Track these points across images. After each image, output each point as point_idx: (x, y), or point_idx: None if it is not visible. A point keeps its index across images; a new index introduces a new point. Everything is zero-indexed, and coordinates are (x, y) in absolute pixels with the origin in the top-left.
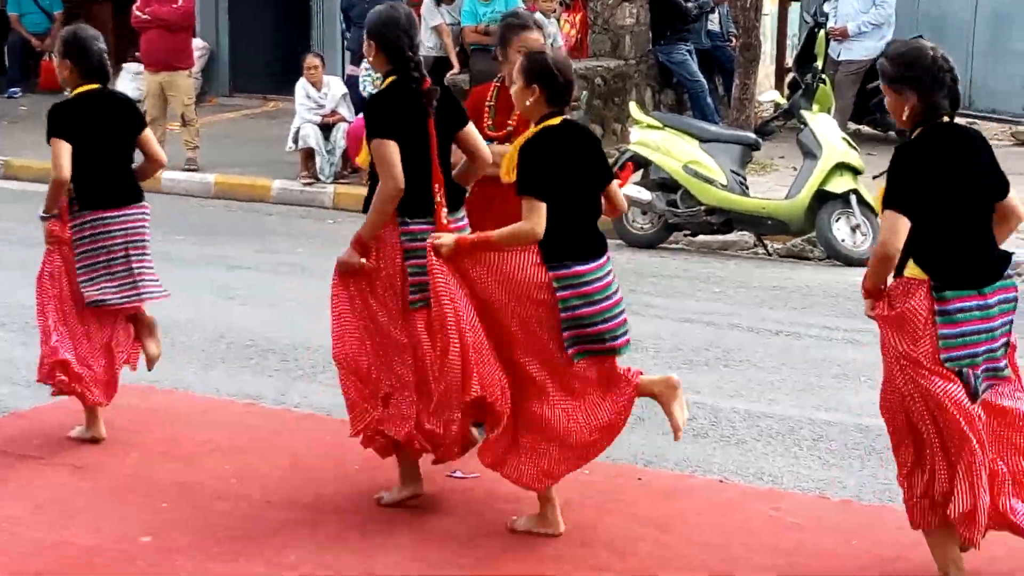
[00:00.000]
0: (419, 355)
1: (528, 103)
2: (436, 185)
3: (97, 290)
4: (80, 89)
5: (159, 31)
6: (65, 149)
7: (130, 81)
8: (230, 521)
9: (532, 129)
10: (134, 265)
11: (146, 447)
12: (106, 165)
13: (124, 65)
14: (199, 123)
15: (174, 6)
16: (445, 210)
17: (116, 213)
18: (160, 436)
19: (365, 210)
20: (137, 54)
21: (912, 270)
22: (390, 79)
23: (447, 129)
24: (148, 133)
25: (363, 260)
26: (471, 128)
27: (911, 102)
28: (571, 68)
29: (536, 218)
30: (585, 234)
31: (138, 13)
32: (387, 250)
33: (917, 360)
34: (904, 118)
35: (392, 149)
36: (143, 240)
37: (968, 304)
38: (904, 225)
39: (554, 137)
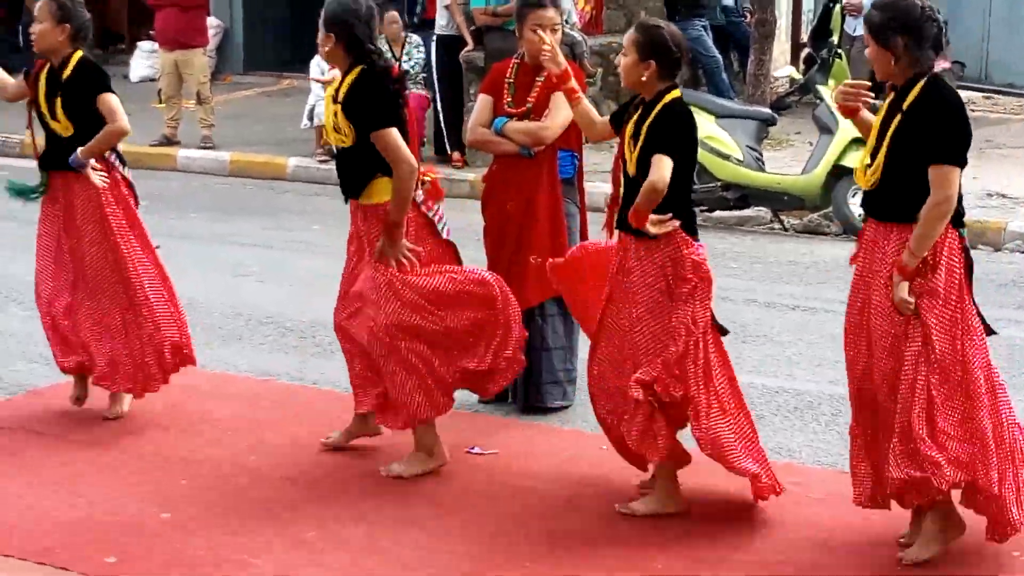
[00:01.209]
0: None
1: (643, 78)
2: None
3: None
4: (76, 56)
5: (173, 9)
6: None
7: (144, 59)
8: (248, 497)
9: (666, 99)
10: None
11: (164, 424)
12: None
13: (139, 44)
14: (214, 101)
15: None
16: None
17: None
18: (178, 413)
19: (350, 194)
20: (151, 32)
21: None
22: (359, 69)
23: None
24: None
25: (406, 243)
26: None
27: (898, 52)
28: (685, 42)
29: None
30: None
31: None
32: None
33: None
34: (891, 68)
35: (395, 135)
36: None
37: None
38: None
39: (686, 109)
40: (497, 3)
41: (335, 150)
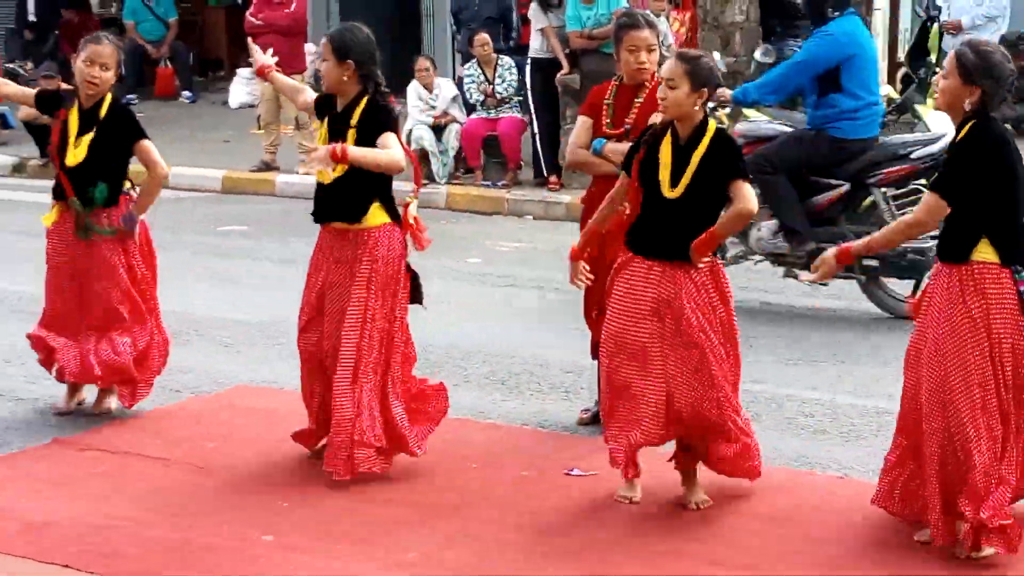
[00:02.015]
0: None
1: (696, 107)
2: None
3: None
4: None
5: (272, 36)
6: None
7: (244, 86)
8: (349, 519)
9: (711, 126)
10: None
11: (265, 446)
12: None
13: (238, 70)
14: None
15: (287, 11)
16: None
17: None
18: (278, 435)
19: (347, 219)
20: (251, 59)
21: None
22: (367, 98)
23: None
24: None
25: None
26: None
27: (975, 98)
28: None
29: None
30: None
31: (251, 18)
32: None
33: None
34: (959, 106)
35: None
36: None
37: None
38: (944, 212)
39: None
40: (593, 25)
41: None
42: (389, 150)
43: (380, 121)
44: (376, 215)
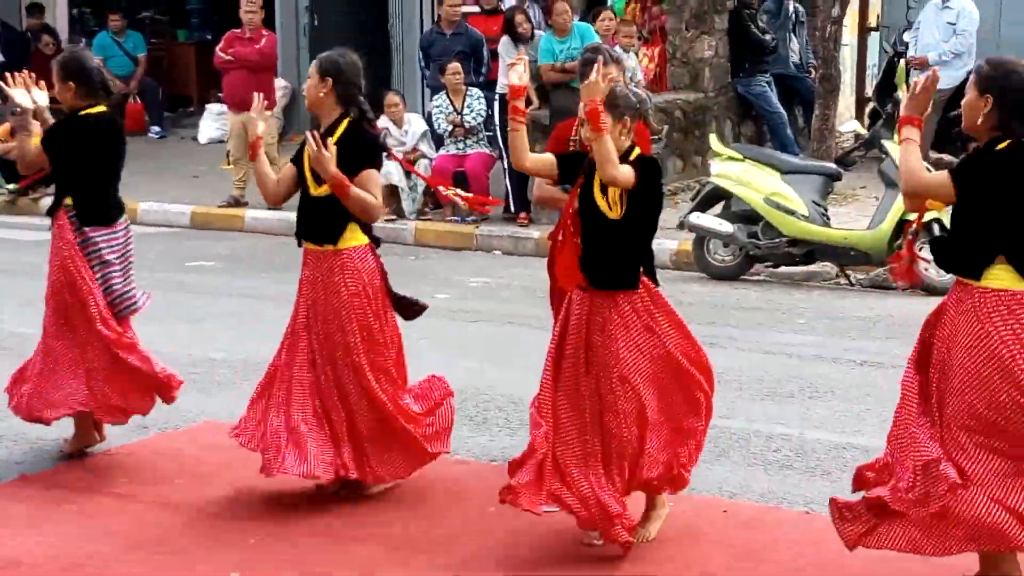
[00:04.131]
0: None
1: (621, 135)
2: None
3: (118, 300)
4: (90, 111)
5: (242, 71)
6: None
7: (213, 121)
8: (319, 556)
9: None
10: (130, 274)
11: (233, 483)
12: (108, 185)
13: (207, 106)
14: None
15: (256, 46)
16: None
17: (116, 228)
18: (248, 472)
19: (325, 240)
20: (220, 95)
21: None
22: (348, 120)
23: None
24: None
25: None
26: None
27: (989, 109)
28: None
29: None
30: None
31: (221, 54)
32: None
33: None
34: (978, 123)
35: (377, 176)
36: (132, 250)
37: None
38: (947, 190)
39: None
40: (565, 59)
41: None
42: (373, 199)
43: (364, 153)
44: (352, 236)
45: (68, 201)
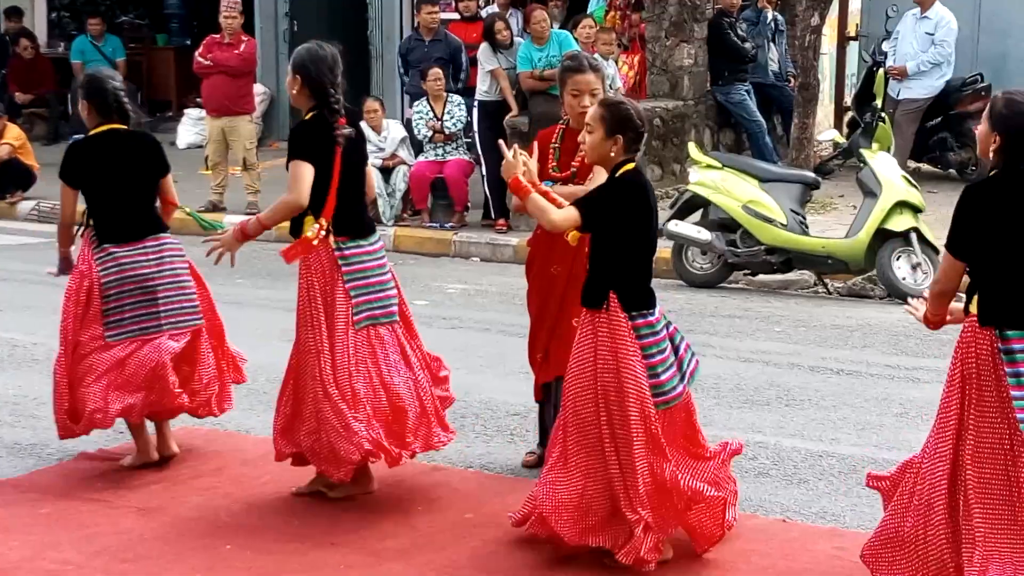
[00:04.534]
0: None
1: (612, 153)
2: (324, 217)
3: (115, 323)
4: (99, 129)
5: (221, 77)
6: (68, 194)
7: (191, 126)
8: (295, 562)
9: (611, 173)
10: (159, 296)
11: (209, 489)
12: (125, 202)
13: (185, 111)
14: (260, 167)
15: (235, 52)
16: (323, 233)
17: (133, 247)
18: (223, 478)
19: (292, 234)
20: (198, 99)
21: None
22: (312, 114)
23: (360, 168)
24: (169, 178)
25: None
26: (368, 171)
27: (998, 146)
28: (645, 116)
29: (568, 220)
30: (650, 283)
31: (200, 59)
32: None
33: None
34: (989, 152)
35: (307, 171)
36: (174, 269)
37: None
38: (959, 268)
39: (634, 184)
40: (544, 66)
41: None
42: (281, 198)
43: (293, 143)
44: (308, 228)
45: (90, 220)
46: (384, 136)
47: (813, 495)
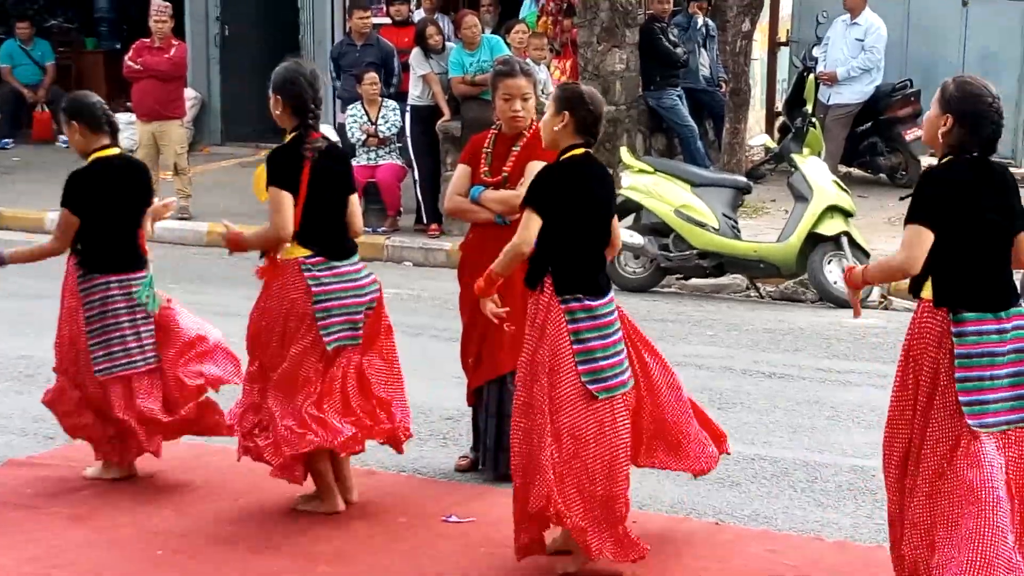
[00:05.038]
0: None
1: (556, 129)
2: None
3: (106, 356)
4: (99, 154)
5: (151, 81)
6: (71, 221)
7: (122, 131)
8: (229, 568)
9: (557, 156)
10: (141, 330)
11: (143, 494)
12: (118, 231)
13: (116, 115)
14: (191, 172)
15: (166, 56)
16: (288, 247)
17: (124, 277)
18: (158, 482)
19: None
20: (129, 104)
21: (928, 292)
22: (293, 135)
23: (337, 189)
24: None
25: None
26: (352, 199)
27: (948, 128)
28: (603, 104)
29: (526, 229)
30: (597, 269)
31: (130, 63)
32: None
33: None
34: (938, 135)
35: (285, 199)
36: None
37: (986, 327)
38: (927, 238)
39: (576, 167)
40: (476, 71)
41: None
42: (265, 228)
43: (267, 170)
44: (292, 249)
45: (78, 246)
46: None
47: (746, 498)
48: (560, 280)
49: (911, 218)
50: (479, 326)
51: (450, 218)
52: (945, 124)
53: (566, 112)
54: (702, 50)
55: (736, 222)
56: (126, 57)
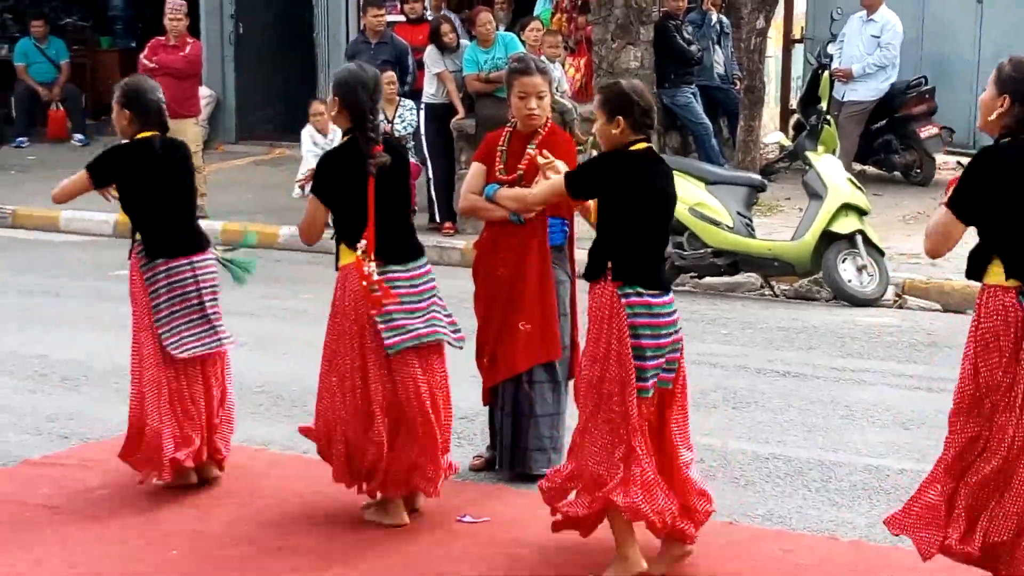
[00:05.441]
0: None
1: (615, 133)
2: (365, 240)
3: (177, 341)
4: (140, 135)
5: (166, 79)
6: (83, 186)
7: None
8: (242, 568)
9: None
10: (209, 312)
11: (158, 495)
12: (173, 212)
13: None
14: (206, 170)
15: (181, 54)
16: (370, 259)
17: (186, 261)
18: (171, 483)
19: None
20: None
21: (997, 277)
22: (347, 137)
23: (399, 191)
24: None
25: None
26: None
27: (1006, 108)
28: (647, 91)
29: (546, 190)
30: (656, 263)
31: (145, 61)
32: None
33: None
34: (991, 118)
35: (319, 212)
36: (215, 286)
37: None
38: (958, 230)
39: (637, 159)
40: (490, 68)
41: None
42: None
43: (315, 174)
44: (344, 256)
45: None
46: (331, 139)
47: (760, 497)
48: (620, 271)
49: (952, 204)
50: (494, 325)
51: (464, 216)
52: (1002, 106)
53: (619, 118)
54: (716, 47)
55: (751, 220)
56: (141, 55)
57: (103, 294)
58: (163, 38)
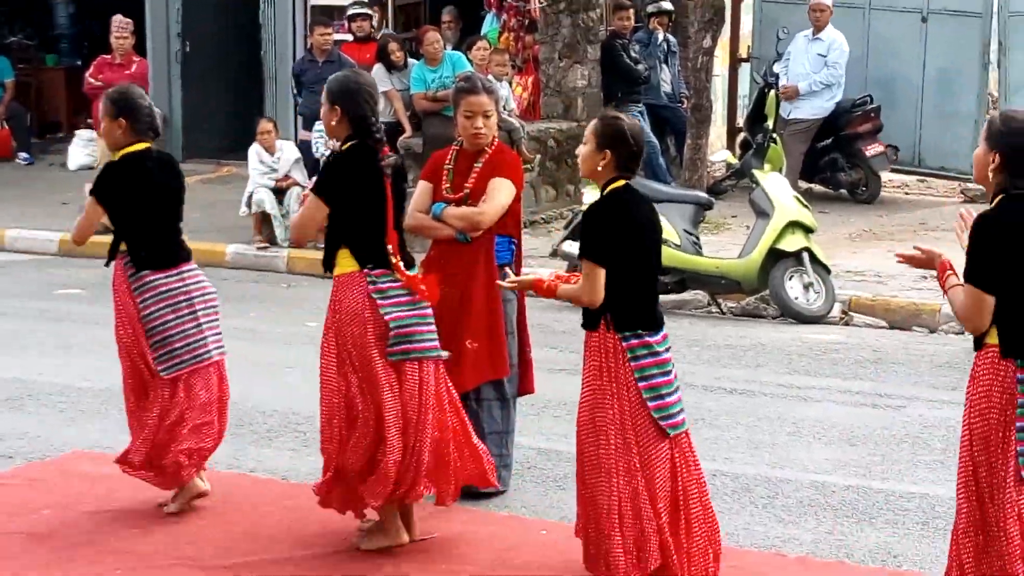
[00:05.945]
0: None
1: (599, 168)
2: (390, 244)
3: (168, 354)
4: (129, 149)
5: None
6: (96, 212)
7: (83, 148)
8: None
9: (601, 190)
10: (202, 321)
11: (100, 513)
12: (162, 225)
13: (77, 132)
14: None
15: (127, 72)
16: (402, 264)
17: (175, 272)
18: (114, 502)
19: (326, 268)
20: (90, 120)
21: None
22: (350, 143)
23: (400, 194)
24: None
25: None
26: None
27: (996, 164)
28: (643, 138)
29: (591, 285)
30: (653, 302)
31: (91, 80)
32: (355, 304)
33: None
34: (986, 173)
35: (320, 212)
36: (209, 294)
37: None
38: (988, 301)
39: (621, 204)
40: (437, 87)
41: None
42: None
43: (320, 174)
44: (343, 263)
45: (122, 247)
46: (277, 157)
47: None
48: (619, 318)
49: (970, 278)
50: (441, 343)
51: (410, 235)
52: (994, 162)
53: (608, 151)
54: (663, 66)
55: (697, 238)
56: (87, 74)
57: (48, 314)
58: (109, 56)
